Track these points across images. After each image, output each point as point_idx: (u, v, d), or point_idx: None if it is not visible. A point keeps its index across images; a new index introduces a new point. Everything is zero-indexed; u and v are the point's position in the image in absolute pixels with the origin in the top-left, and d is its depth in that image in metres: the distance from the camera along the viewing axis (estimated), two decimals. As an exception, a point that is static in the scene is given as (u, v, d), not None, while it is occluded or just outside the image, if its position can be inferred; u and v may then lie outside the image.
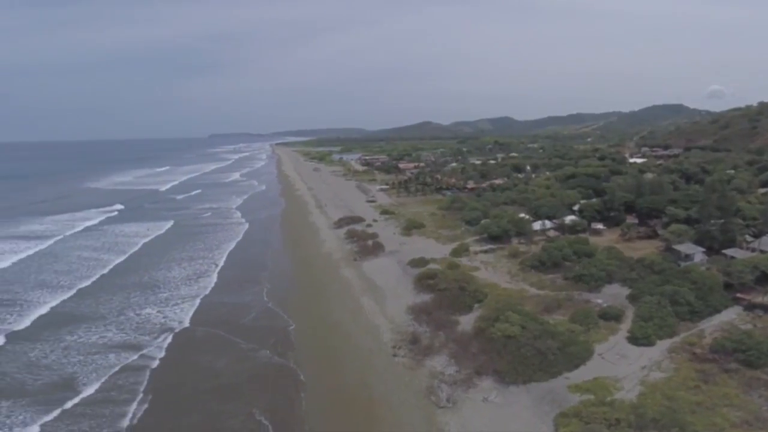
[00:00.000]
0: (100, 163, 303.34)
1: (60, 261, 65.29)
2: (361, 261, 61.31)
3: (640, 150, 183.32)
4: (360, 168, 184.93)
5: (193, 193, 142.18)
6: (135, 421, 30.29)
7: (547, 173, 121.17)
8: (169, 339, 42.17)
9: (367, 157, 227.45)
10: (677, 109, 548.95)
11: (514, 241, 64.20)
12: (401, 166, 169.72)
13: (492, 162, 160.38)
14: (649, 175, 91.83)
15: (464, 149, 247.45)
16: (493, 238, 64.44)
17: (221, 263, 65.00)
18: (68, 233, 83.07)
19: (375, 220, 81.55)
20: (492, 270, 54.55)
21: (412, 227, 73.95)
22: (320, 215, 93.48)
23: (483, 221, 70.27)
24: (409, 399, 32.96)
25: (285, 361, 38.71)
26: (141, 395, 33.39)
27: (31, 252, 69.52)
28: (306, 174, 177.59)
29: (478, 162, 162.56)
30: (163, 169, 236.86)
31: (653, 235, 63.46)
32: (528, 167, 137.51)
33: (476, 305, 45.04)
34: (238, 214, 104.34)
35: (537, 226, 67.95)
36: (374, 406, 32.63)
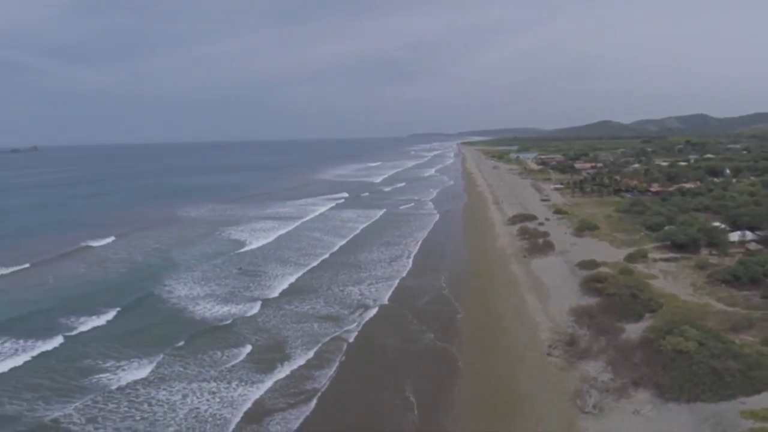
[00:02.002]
0: (324, 158, 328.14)
1: (298, 241, 68.57)
2: (530, 258, 55.72)
3: None
4: (535, 167, 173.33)
5: (399, 185, 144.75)
6: (323, 389, 30.02)
7: (752, 178, 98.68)
8: (365, 316, 41.54)
9: (542, 156, 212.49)
10: None
11: (704, 251, 52.37)
12: (577, 165, 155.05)
13: (682, 164, 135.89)
14: None
15: (648, 149, 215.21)
16: (678, 247, 53.14)
17: (415, 250, 63.82)
18: (307, 218, 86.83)
19: (547, 219, 74.37)
20: (672, 280, 45.22)
21: (584, 228, 65.34)
22: (497, 211, 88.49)
23: (667, 227, 58.65)
24: (554, 399, 28.49)
25: (447, 346, 35.97)
26: (337, 364, 33.09)
27: (283, 231, 73.80)
28: (486, 171, 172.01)
29: (665, 163, 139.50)
30: (375, 164, 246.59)
31: None
32: (727, 170, 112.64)
33: (648, 315, 37.32)
34: (431, 205, 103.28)
35: (734, 237, 54.67)
36: (518, 400, 28.79)
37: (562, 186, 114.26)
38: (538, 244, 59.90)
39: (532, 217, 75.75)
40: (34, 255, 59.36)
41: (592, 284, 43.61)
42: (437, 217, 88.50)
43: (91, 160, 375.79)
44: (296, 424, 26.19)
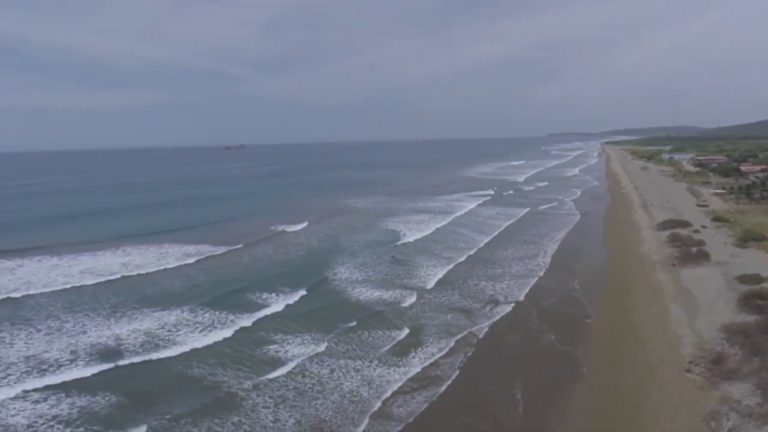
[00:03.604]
0: (467, 156, 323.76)
1: (446, 235, 68.19)
2: (679, 267, 48.55)
3: None
4: (692, 169, 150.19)
5: (541, 184, 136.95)
6: (448, 379, 29.44)
7: None
8: (500, 312, 39.91)
9: (700, 158, 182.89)
10: None
11: None
12: (743, 168, 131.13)
13: None
14: None
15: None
16: None
17: (553, 250, 59.87)
18: (455, 214, 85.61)
19: (704, 226, 64.08)
20: None
21: (749, 239, 54.89)
22: (643, 215, 78.56)
23: None
24: (684, 418, 24.51)
25: (570, 349, 32.91)
26: (462, 356, 32.21)
27: (435, 226, 73.66)
28: (633, 172, 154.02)
29: None
30: (518, 163, 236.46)
31: None
32: None
33: (820, 341, 30.84)
34: (573, 205, 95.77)
35: None
36: (643, 414, 25.20)
37: (723, 191, 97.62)
38: (690, 252, 52.10)
39: (685, 224, 66.05)
40: (242, 237, 65.76)
41: (753, 300, 36.70)
42: (578, 217, 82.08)
43: (282, 157, 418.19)
44: (417, 409, 26.29)
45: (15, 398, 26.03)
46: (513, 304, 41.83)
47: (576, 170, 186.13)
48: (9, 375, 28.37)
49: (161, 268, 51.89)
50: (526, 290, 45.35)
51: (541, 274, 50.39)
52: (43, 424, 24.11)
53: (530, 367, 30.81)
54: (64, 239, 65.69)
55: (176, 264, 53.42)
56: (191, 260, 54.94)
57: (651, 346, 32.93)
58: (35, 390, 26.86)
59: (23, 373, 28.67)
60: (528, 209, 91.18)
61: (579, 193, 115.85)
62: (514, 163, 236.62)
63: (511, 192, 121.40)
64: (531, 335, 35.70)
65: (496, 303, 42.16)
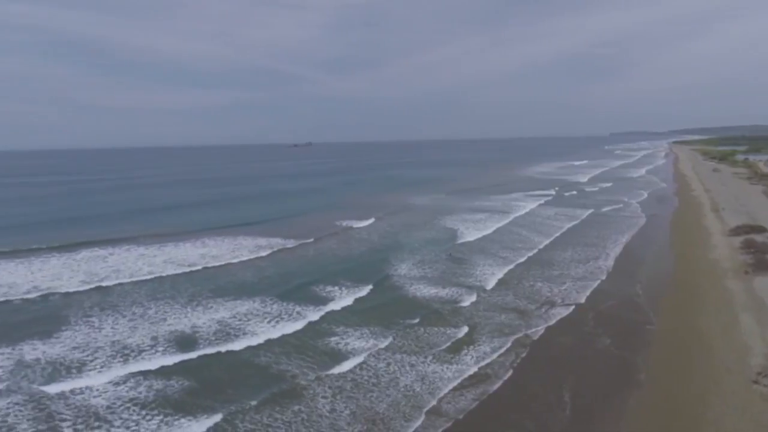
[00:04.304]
0: (525, 155, 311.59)
1: (504, 236, 66.20)
2: (753, 275, 44.06)
3: None
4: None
5: (605, 185, 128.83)
6: (500, 382, 28.37)
7: None
8: (558, 315, 38.04)
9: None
10: None
11: None
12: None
13: None
14: None
15: None
16: None
17: (617, 252, 56.30)
18: (514, 214, 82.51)
19: (783, 233, 58.28)
20: None
21: None
22: (714, 219, 71.98)
23: None
24: (747, 430, 22.42)
25: (628, 355, 30.79)
26: (516, 359, 31.03)
27: (494, 226, 71.51)
28: (703, 174, 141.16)
29: None
30: (579, 163, 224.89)
31: None
32: None
33: None
34: (638, 208, 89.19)
35: None
36: (702, 425, 23.15)
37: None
38: (765, 260, 47.08)
39: (761, 229, 59.75)
40: (311, 232, 66.44)
41: (841, 317, 33.06)
42: (644, 220, 76.70)
43: (347, 154, 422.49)
44: (468, 407, 25.92)
45: (100, 382, 27.88)
46: (572, 307, 39.86)
47: (642, 171, 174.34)
48: (96, 359, 30.39)
49: (236, 260, 53.67)
50: (587, 293, 43.08)
51: (603, 277, 47.65)
52: (121, 405, 25.58)
53: (585, 371, 29.30)
54: (150, 230, 69.66)
55: (249, 256, 55.07)
56: (263, 253, 56.39)
57: (717, 355, 30.30)
58: (117, 374, 28.65)
59: (108, 357, 30.66)
60: (591, 210, 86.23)
61: (645, 195, 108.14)
62: (576, 163, 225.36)
63: (574, 193, 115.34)
64: (588, 339, 33.91)
65: (554, 305, 40.38)
